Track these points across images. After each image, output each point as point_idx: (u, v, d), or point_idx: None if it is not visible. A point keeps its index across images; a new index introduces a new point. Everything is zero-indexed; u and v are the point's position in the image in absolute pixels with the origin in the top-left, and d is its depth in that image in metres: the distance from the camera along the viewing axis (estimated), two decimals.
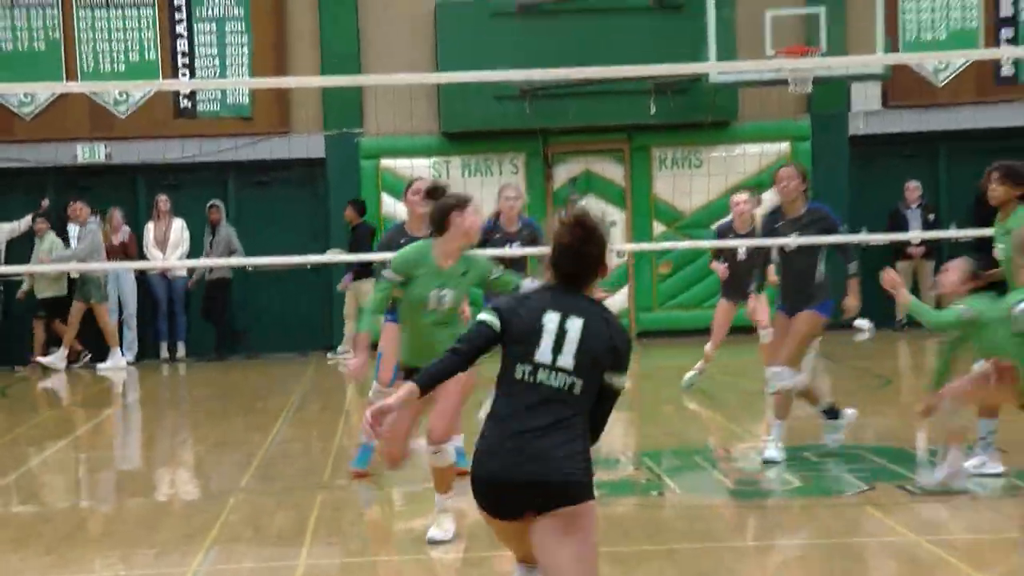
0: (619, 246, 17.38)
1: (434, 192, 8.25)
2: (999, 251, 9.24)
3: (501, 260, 10.33)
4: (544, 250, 5.22)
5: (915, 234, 18.20)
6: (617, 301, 18.79)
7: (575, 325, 5.02)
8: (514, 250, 11.00)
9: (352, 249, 17.19)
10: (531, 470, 4.89)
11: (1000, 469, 8.74)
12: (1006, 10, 19.40)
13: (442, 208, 7.97)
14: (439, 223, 7.96)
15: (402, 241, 9.20)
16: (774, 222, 9.89)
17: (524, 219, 11.41)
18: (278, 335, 19.12)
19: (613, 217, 19.24)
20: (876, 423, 11.45)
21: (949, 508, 8.13)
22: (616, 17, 18.54)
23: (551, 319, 5.04)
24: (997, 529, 7.61)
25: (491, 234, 11.10)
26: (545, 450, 4.90)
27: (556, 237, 5.12)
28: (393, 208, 18.83)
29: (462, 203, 8.07)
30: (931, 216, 18.87)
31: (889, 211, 18.78)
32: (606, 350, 5.02)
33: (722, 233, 12.90)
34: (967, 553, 7.03)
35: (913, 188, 18.96)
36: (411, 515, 8.61)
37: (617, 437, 11.14)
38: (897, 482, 8.73)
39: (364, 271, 16.79)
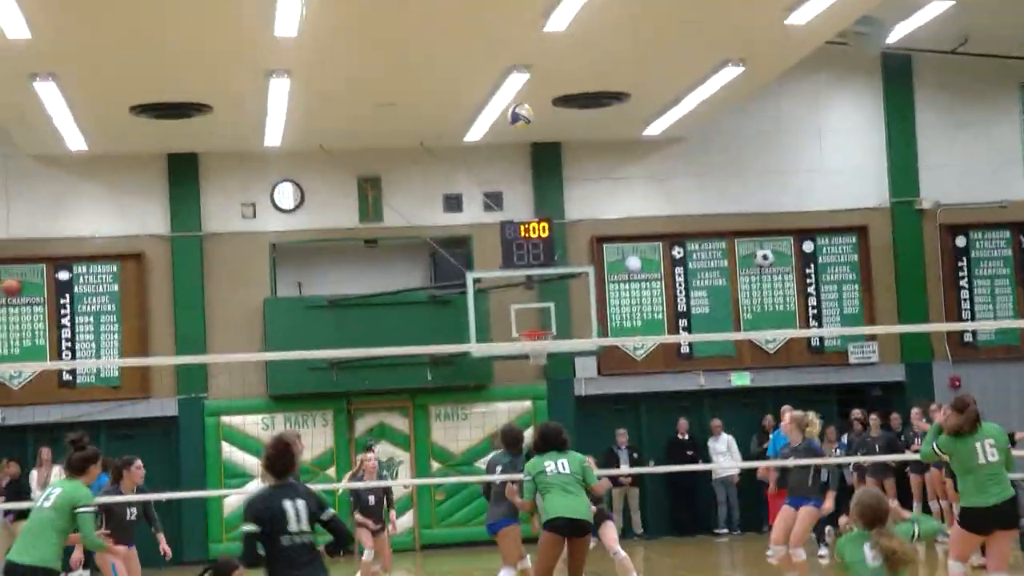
0: (404, 480, 17.77)
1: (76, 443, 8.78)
2: None
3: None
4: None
5: (624, 469, 18.42)
6: (403, 522, 18.78)
7: (300, 504, 6.60)
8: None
9: None
10: None
11: None
12: (682, 307, 20.06)
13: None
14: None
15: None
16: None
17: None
18: (141, 553, 18.94)
19: (401, 457, 19.53)
20: None
21: None
22: (402, 309, 18.88)
23: (288, 504, 6.59)
24: None
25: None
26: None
27: (270, 451, 6.79)
28: (230, 454, 19.23)
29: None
30: (635, 455, 19.34)
31: (604, 451, 18.81)
32: (316, 507, 6.67)
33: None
34: None
35: (622, 434, 19.47)
36: None
37: None
38: None
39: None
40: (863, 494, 6.25)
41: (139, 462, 11.54)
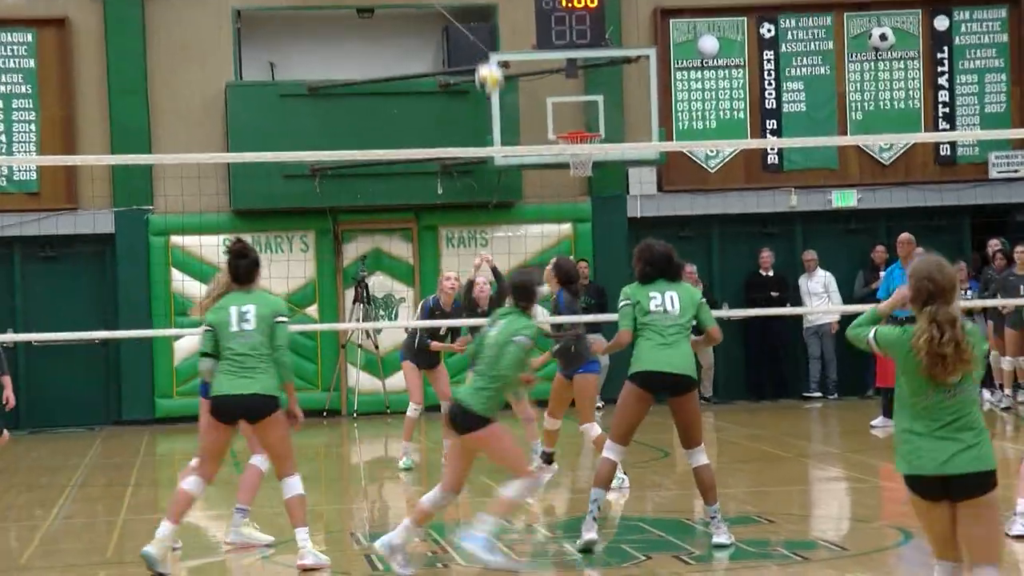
0: (403, 322, 17.47)
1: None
2: None
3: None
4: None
5: None
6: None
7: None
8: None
9: None
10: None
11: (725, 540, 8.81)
12: (770, 103, 19.96)
13: None
14: None
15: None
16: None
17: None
18: (65, 409, 18.59)
19: (401, 293, 19.31)
20: (654, 496, 11.58)
21: None
22: (405, 100, 18.66)
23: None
24: None
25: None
26: None
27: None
28: (182, 285, 18.59)
29: None
30: (705, 295, 19.13)
31: None
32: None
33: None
34: None
35: (688, 269, 19.22)
36: None
37: (405, 510, 11.03)
38: (674, 552, 8.80)
39: None
40: (920, 262, 5.87)
41: None
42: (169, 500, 8.84)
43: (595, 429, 11.35)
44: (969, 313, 18.05)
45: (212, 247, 18.59)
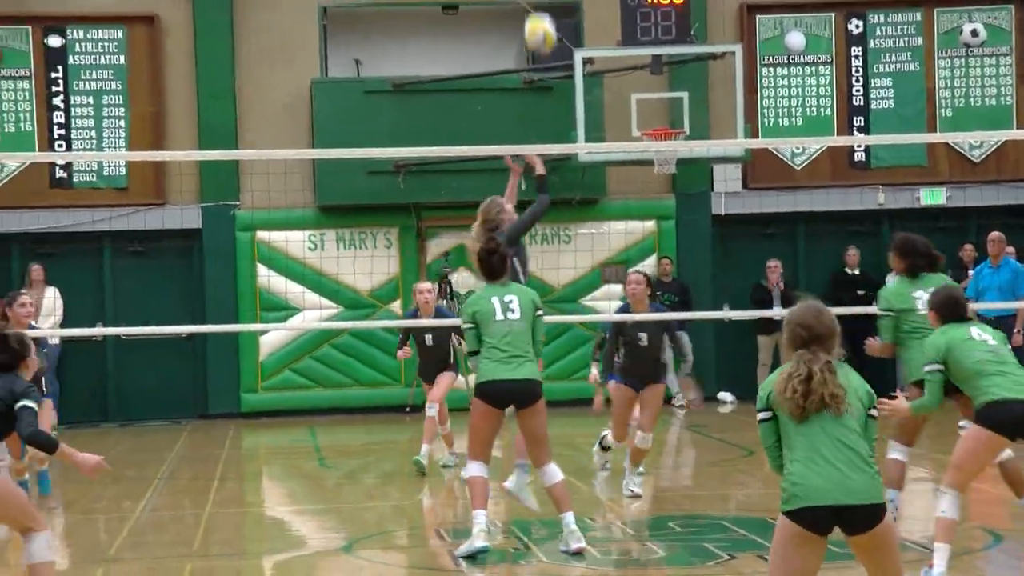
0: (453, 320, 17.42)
1: None
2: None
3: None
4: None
5: (776, 311, 18.33)
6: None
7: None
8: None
9: None
10: None
11: None
12: (858, 100, 19.75)
13: None
14: None
15: None
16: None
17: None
18: (152, 403, 18.77)
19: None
20: (738, 494, 11.50)
21: None
22: (489, 96, 18.60)
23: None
24: None
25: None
26: None
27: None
28: (268, 280, 18.69)
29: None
30: (791, 293, 18.96)
31: (750, 288, 18.88)
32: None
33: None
34: None
35: (773, 267, 19.06)
36: None
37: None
38: (758, 552, 8.74)
39: None
40: (797, 309, 5.81)
41: (25, 298, 11.69)
42: (469, 493, 9.06)
43: (649, 440, 11.12)
44: None
45: (298, 243, 18.84)
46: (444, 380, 12.98)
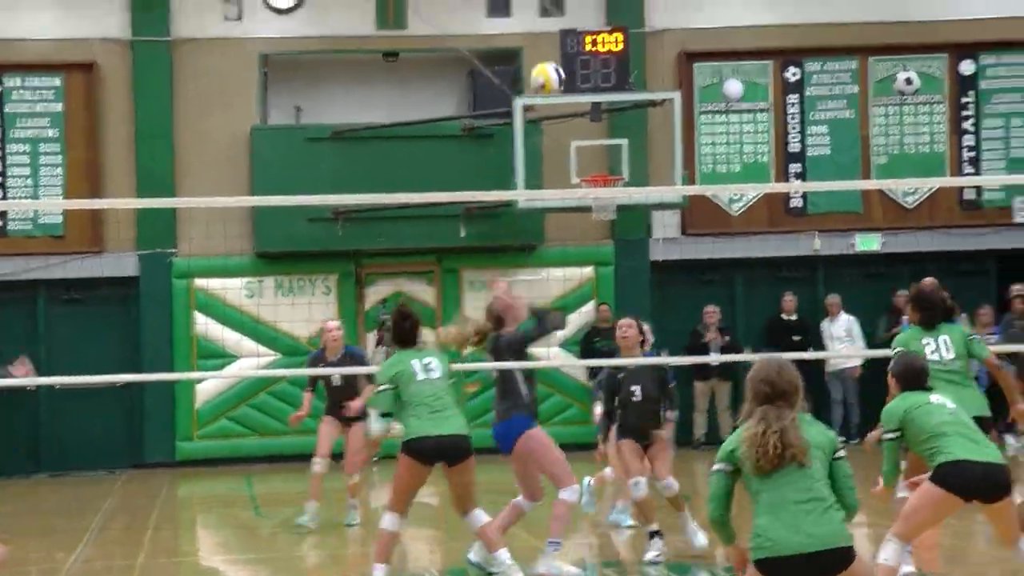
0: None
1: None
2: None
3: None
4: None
5: (713, 357, 18.42)
6: None
7: None
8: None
9: None
10: None
11: None
12: (794, 147, 19.91)
13: None
14: None
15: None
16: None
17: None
18: (86, 452, 18.58)
19: (424, 337, 19.16)
20: (676, 539, 11.47)
21: None
22: (429, 143, 18.61)
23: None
24: None
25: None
26: None
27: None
28: (205, 328, 18.58)
29: None
30: (727, 339, 19.06)
31: (687, 334, 18.94)
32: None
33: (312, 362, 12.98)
34: None
35: (710, 312, 19.15)
36: None
37: (423, 553, 10.99)
38: None
39: None
40: (760, 364, 5.97)
41: None
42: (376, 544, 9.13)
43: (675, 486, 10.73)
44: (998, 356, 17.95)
45: (235, 290, 18.82)
46: (361, 450, 12.58)
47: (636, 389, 10.60)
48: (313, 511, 12.37)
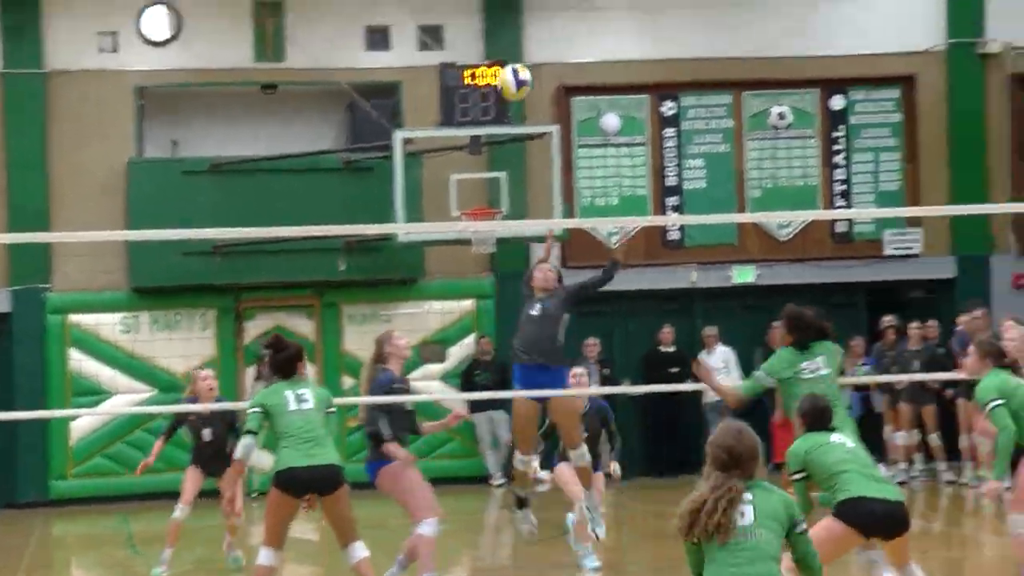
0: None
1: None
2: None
3: None
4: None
5: (593, 390, 18.38)
6: None
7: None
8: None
9: None
10: None
11: None
12: (671, 180, 20.08)
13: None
14: None
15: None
16: None
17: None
18: None
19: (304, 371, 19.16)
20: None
21: None
22: (308, 176, 18.65)
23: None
24: None
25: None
26: None
27: None
28: (79, 364, 18.37)
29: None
30: (605, 371, 19.08)
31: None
32: None
33: None
34: None
35: (590, 344, 19.17)
36: None
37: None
38: None
39: None
40: (720, 430, 5.89)
41: None
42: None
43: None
44: (866, 388, 18.27)
45: (110, 326, 18.68)
46: (239, 495, 11.93)
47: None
48: (168, 558, 12.08)
